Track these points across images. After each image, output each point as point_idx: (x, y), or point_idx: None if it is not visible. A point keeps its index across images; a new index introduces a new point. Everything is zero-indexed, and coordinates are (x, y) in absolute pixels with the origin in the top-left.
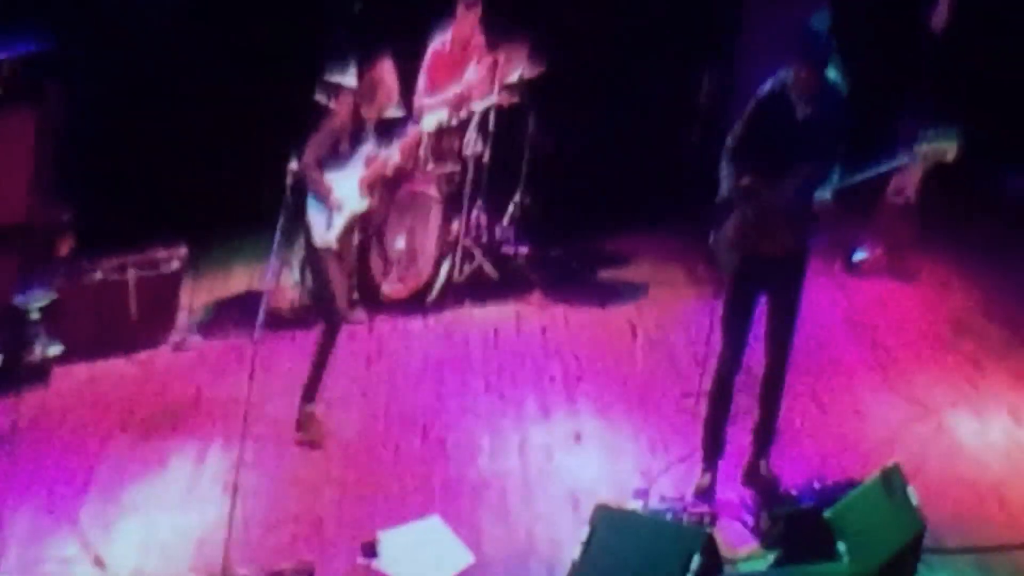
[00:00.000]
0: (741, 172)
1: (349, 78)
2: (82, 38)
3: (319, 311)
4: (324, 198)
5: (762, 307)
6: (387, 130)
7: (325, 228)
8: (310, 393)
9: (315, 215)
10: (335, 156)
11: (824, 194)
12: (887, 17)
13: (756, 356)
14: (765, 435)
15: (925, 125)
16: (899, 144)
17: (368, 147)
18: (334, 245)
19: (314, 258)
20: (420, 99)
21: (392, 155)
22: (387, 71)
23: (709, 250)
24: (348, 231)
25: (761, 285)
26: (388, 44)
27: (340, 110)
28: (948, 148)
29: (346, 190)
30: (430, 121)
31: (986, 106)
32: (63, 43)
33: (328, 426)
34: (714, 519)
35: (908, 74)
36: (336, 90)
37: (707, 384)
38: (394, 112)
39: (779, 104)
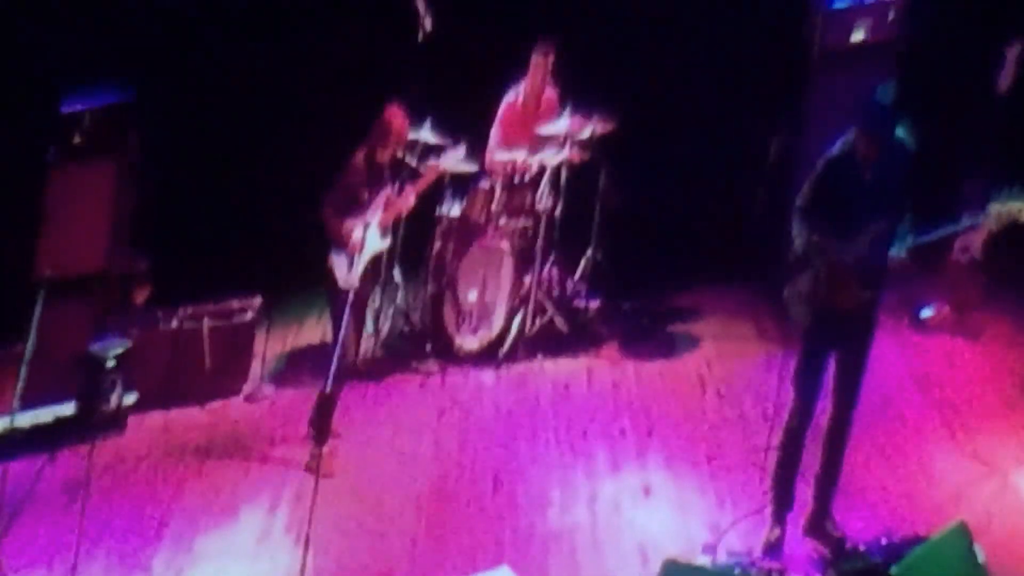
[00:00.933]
0: (812, 229)
1: (425, 133)
2: (162, 91)
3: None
4: (343, 243)
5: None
6: (460, 185)
7: (347, 271)
8: (322, 435)
9: (337, 259)
10: (356, 202)
11: (900, 251)
12: (955, 78)
13: (822, 410)
14: (828, 488)
15: (996, 185)
16: (968, 203)
17: (387, 190)
18: (356, 285)
19: (335, 301)
20: (492, 151)
21: (409, 197)
22: (396, 116)
23: (777, 306)
24: (368, 274)
25: (832, 340)
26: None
27: (356, 158)
28: (1022, 209)
29: (366, 233)
30: (445, 161)
31: None
32: (143, 95)
33: (399, 476)
34: (782, 574)
35: (977, 134)
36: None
37: (776, 439)
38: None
39: (847, 165)
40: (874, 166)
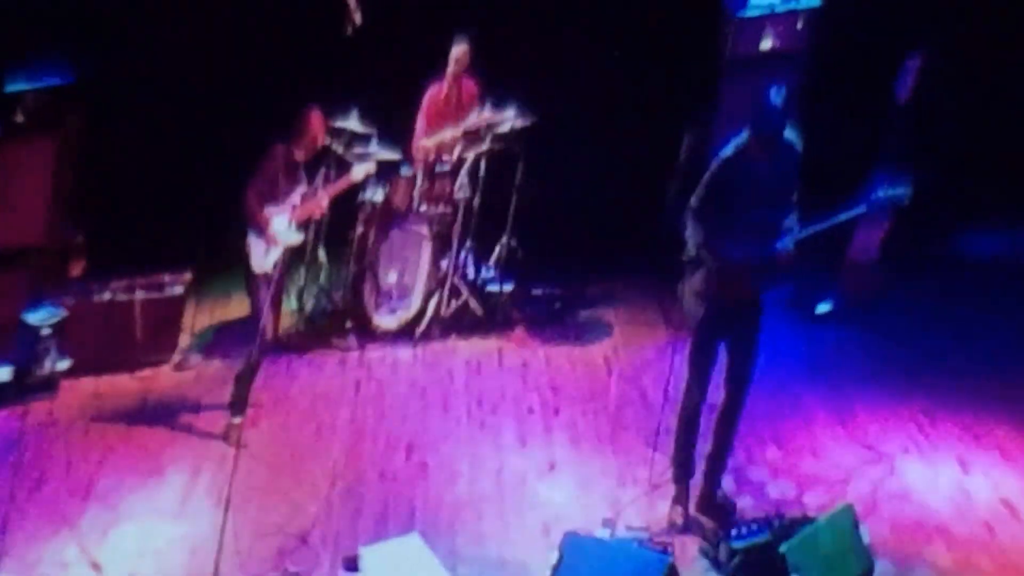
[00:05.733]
0: (704, 230)
1: (352, 122)
2: (101, 74)
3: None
4: (261, 231)
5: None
6: (383, 173)
7: (263, 256)
8: (238, 407)
9: (253, 244)
10: (273, 194)
11: (787, 243)
12: (857, 85)
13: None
14: (718, 465)
15: (883, 178)
16: (855, 197)
17: (302, 187)
18: (270, 271)
19: (251, 283)
20: (417, 142)
21: (323, 197)
22: (315, 117)
23: (679, 296)
24: (282, 263)
25: (724, 329)
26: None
27: (275, 151)
28: (903, 194)
29: (282, 225)
30: (358, 171)
31: (945, 168)
32: (83, 78)
33: (316, 445)
34: (675, 548)
35: (874, 137)
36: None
37: (673, 420)
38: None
39: (738, 165)
40: (764, 165)
